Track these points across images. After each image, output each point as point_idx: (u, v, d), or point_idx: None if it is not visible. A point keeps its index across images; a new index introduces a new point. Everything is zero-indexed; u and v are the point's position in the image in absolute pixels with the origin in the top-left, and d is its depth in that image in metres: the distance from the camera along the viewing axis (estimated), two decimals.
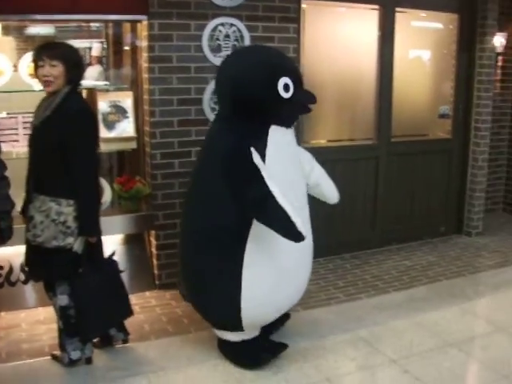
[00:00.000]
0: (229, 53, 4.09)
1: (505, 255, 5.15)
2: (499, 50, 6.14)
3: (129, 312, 3.35)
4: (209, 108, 4.24)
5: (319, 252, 4.85)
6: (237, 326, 3.13)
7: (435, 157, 5.55)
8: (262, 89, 2.96)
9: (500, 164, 6.47)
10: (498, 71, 6.31)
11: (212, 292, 3.10)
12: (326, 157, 4.71)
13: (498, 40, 6.00)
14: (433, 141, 5.68)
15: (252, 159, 2.88)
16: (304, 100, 3.12)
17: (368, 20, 5.02)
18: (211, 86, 4.12)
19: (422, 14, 5.38)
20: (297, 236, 2.84)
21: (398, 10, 5.07)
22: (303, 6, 4.63)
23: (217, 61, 4.08)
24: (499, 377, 3.13)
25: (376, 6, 4.98)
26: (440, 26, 5.58)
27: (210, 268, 3.06)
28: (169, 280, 4.26)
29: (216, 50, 4.20)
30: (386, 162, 5.21)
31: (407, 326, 3.73)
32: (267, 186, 2.83)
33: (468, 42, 5.51)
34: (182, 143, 4.21)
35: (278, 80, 2.96)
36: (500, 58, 6.29)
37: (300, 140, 4.65)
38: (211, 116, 4.16)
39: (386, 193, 5.28)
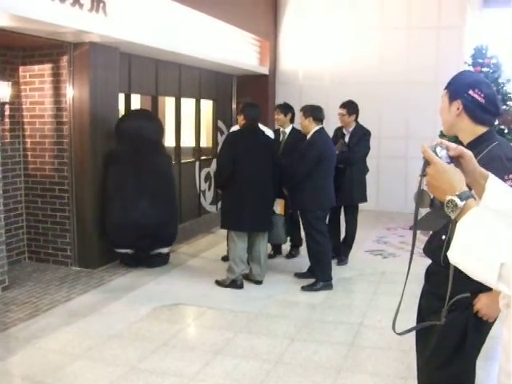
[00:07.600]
0: None
1: (35, 305, 5.07)
2: (5, 99, 6.07)
3: None
4: None
5: None
6: None
7: None
8: None
9: (19, 213, 6.39)
10: (7, 120, 6.25)
11: None
12: None
13: (3, 89, 5.94)
14: None
15: None
16: None
17: None
18: None
19: None
20: None
21: None
22: None
23: None
24: None
25: None
26: None
27: None
28: None
29: None
30: None
31: None
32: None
33: None
34: None
35: None
36: (7, 107, 6.23)
37: None
38: None
39: None
